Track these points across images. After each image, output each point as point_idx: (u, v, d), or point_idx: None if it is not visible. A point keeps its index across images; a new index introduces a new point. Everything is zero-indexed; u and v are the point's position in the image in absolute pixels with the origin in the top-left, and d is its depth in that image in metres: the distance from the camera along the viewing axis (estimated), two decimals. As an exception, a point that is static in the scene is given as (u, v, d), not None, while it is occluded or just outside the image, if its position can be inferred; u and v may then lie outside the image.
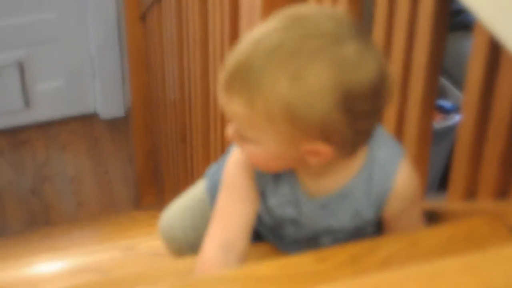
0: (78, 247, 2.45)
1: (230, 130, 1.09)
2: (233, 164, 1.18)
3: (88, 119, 3.84)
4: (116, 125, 3.82)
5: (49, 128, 3.78)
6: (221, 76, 1.03)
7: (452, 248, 1.13)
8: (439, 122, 2.40)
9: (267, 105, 0.99)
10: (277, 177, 1.17)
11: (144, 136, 3.47)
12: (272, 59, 0.98)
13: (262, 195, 1.19)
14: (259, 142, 1.06)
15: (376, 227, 1.25)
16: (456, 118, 2.44)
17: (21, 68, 3.57)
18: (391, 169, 1.16)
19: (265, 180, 1.17)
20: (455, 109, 2.49)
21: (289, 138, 1.03)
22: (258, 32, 1.02)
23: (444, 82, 2.55)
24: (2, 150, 3.67)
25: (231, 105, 1.03)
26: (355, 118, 1.01)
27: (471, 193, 1.34)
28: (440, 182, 2.42)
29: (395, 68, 1.46)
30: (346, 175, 1.16)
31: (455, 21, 2.29)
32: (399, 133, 1.49)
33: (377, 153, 1.16)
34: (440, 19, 1.34)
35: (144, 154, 3.47)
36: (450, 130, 2.37)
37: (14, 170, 3.60)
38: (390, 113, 1.51)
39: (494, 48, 1.21)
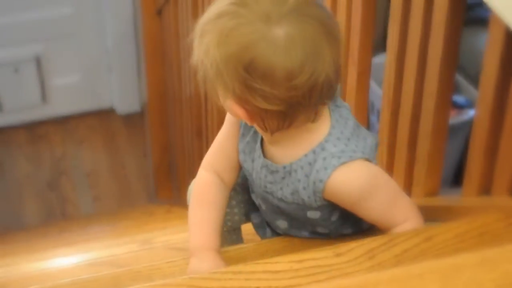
0: (95, 241, 2.48)
1: None
2: None
3: (104, 114, 3.85)
4: (132, 120, 3.84)
5: (66, 122, 3.80)
6: None
7: (467, 243, 1.14)
8: (453, 118, 2.40)
9: (208, 63, 1.11)
10: (246, 128, 1.27)
11: (160, 131, 3.48)
12: (212, 26, 1.12)
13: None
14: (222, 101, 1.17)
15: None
16: (469, 113, 2.44)
17: (38, 63, 3.59)
18: (333, 163, 1.17)
19: (241, 123, 1.28)
20: (469, 105, 2.49)
21: (221, 92, 1.13)
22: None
23: (458, 77, 2.54)
24: (20, 144, 3.70)
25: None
26: (259, 96, 1.08)
27: (486, 188, 1.34)
28: (453, 177, 2.42)
29: (410, 63, 1.46)
30: (296, 152, 1.20)
31: (469, 16, 2.29)
32: (414, 128, 1.50)
33: (329, 145, 1.18)
34: (455, 13, 1.34)
35: (160, 148, 3.48)
36: (464, 126, 2.37)
37: (32, 164, 3.62)
38: (405, 107, 1.51)
39: (510, 43, 1.21)
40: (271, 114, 1.12)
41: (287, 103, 1.09)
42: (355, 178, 1.18)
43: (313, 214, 1.25)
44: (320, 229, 1.31)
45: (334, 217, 1.28)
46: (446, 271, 0.84)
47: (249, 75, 1.07)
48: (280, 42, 1.05)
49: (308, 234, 1.34)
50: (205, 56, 1.11)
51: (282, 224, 1.33)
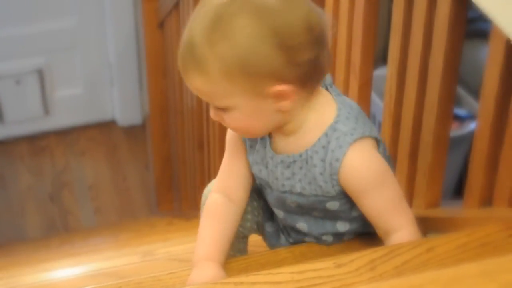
0: (96, 253, 2.47)
1: (211, 112, 1.21)
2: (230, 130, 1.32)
3: (106, 126, 3.86)
4: (134, 132, 3.84)
5: (68, 135, 3.81)
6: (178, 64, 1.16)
7: (468, 254, 1.14)
8: (454, 130, 2.40)
9: (220, 69, 1.12)
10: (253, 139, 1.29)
11: (162, 143, 3.48)
12: (204, 30, 1.12)
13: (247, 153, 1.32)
14: (233, 106, 1.16)
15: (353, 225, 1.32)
16: (471, 126, 2.44)
17: (40, 75, 3.60)
18: (347, 140, 1.20)
19: (246, 140, 1.30)
20: (470, 117, 2.49)
21: (252, 90, 1.13)
22: (194, 12, 1.17)
23: (459, 90, 2.55)
24: (22, 156, 3.70)
25: (193, 83, 1.16)
26: (297, 52, 1.12)
27: (487, 200, 1.34)
28: (455, 189, 2.42)
29: (412, 75, 1.47)
30: (310, 139, 1.22)
31: (470, 29, 2.30)
32: (415, 140, 1.50)
33: (339, 125, 1.21)
34: (457, 26, 1.35)
35: (162, 161, 3.48)
36: (465, 138, 2.37)
37: (34, 176, 3.63)
38: (406, 119, 1.52)
39: (511, 55, 1.22)
40: (302, 83, 1.15)
41: (311, 62, 1.14)
42: (369, 160, 1.22)
43: (332, 205, 1.26)
44: (340, 227, 1.31)
45: (354, 213, 1.28)
46: (447, 282, 0.85)
47: (283, 42, 1.11)
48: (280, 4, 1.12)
49: (328, 238, 1.34)
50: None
51: (302, 227, 1.33)
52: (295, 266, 1.12)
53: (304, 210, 1.30)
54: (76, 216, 3.46)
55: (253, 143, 1.29)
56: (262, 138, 1.27)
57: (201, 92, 1.17)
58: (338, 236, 1.34)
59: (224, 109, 1.18)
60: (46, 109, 3.71)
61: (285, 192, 1.28)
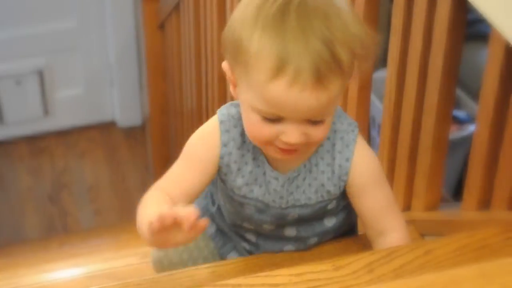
0: (95, 254, 2.47)
1: (295, 137, 1.09)
2: (199, 138, 1.24)
3: (106, 127, 3.86)
4: (134, 133, 3.84)
5: (67, 135, 3.80)
6: (300, 79, 1.02)
7: (466, 257, 1.14)
8: (453, 133, 2.40)
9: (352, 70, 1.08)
10: (242, 156, 1.21)
11: (162, 144, 3.48)
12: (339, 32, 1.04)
13: (226, 174, 1.23)
14: (328, 118, 1.11)
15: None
16: (470, 128, 2.44)
17: (40, 76, 3.60)
18: (351, 138, 1.21)
19: (230, 158, 1.21)
20: (470, 120, 2.49)
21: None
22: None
23: (459, 92, 2.55)
24: (22, 157, 3.70)
25: (324, 94, 1.04)
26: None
27: (485, 203, 1.34)
28: (454, 192, 2.42)
29: (411, 77, 1.47)
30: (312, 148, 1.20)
31: (470, 31, 2.30)
32: (415, 142, 1.50)
33: (337, 125, 1.20)
34: (456, 28, 1.35)
35: (162, 162, 3.48)
36: (464, 141, 2.37)
37: (33, 177, 3.63)
38: (406, 122, 1.52)
39: (510, 57, 1.22)
40: None
41: None
42: (371, 153, 1.24)
43: (331, 205, 1.27)
44: (329, 222, 1.31)
45: (341, 204, 1.29)
46: (445, 284, 0.85)
47: None
48: None
49: (313, 240, 1.33)
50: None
51: (290, 233, 1.31)
52: (293, 268, 1.12)
53: (300, 219, 1.28)
54: (75, 217, 3.46)
55: (242, 165, 1.21)
56: (255, 158, 1.21)
57: (330, 100, 1.06)
58: (324, 236, 1.33)
59: (321, 121, 1.10)
60: (46, 110, 3.71)
61: (287, 208, 1.25)
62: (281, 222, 1.28)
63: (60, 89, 3.70)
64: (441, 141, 1.45)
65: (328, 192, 1.23)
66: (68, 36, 3.58)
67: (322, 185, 1.22)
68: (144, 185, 3.63)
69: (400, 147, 1.55)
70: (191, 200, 1.23)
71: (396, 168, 1.57)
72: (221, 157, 1.21)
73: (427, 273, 1.01)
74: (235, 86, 1.14)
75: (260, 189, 1.23)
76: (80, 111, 3.79)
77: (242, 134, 1.19)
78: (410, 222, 1.51)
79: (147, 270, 1.69)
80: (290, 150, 1.12)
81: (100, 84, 3.76)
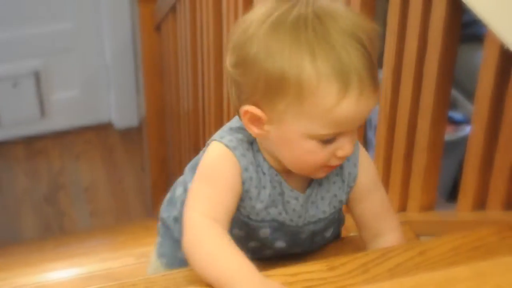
0: (91, 255, 2.47)
1: (351, 147, 1.09)
2: (218, 157, 1.15)
3: (102, 129, 3.86)
4: (130, 135, 3.84)
5: (64, 137, 3.81)
6: (365, 88, 1.02)
7: (461, 257, 1.14)
8: (450, 134, 2.40)
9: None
10: (260, 180, 1.17)
11: (158, 145, 3.48)
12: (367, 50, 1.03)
13: (244, 201, 1.17)
14: None
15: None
16: (466, 129, 2.44)
17: (37, 77, 3.60)
18: (355, 146, 1.19)
19: (251, 184, 1.16)
20: (466, 121, 2.49)
21: None
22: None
23: (455, 93, 2.55)
24: (18, 158, 3.70)
25: (372, 102, 1.05)
26: None
27: (481, 203, 1.35)
28: (450, 193, 2.42)
29: (407, 78, 1.47)
30: None
31: (466, 33, 2.30)
32: (410, 142, 1.50)
33: None
34: (451, 29, 1.35)
35: (158, 163, 3.48)
36: (461, 142, 2.37)
37: (30, 179, 3.63)
38: (401, 122, 1.52)
39: (505, 59, 1.22)
40: None
41: None
42: (369, 157, 1.24)
43: (337, 214, 1.27)
44: (327, 232, 1.30)
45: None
46: (440, 283, 0.85)
47: None
48: None
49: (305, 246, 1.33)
50: None
51: (298, 248, 1.29)
52: (287, 268, 1.12)
53: (312, 235, 1.26)
54: (71, 219, 3.46)
55: (260, 189, 1.16)
56: (271, 180, 1.17)
57: (368, 112, 1.07)
58: (321, 247, 1.33)
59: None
60: (43, 112, 3.71)
61: (304, 225, 1.23)
62: (295, 238, 1.25)
63: (56, 90, 3.70)
64: (436, 142, 1.45)
65: (340, 201, 1.23)
66: (65, 38, 3.58)
67: (335, 195, 1.22)
68: (141, 186, 3.66)
69: (395, 147, 1.55)
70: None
71: (392, 168, 1.57)
72: (244, 183, 1.15)
73: (422, 273, 1.01)
74: (263, 124, 1.09)
75: (276, 209, 1.19)
76: (76, 113, 3.79)
77: (255, 156, 1.16)
78: (405, 223, 1.51)
79: (143, 270, 1.69)
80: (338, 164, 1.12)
81: (96, 86, 3.77)
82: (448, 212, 1.46)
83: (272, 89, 1.04)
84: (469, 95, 2.53)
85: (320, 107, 1.02)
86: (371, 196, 1.24)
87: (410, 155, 1.51)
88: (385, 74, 1.55)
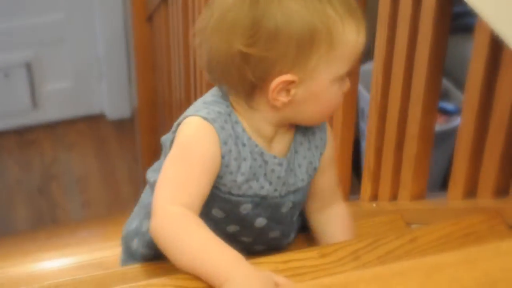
0: (83, 245, 2.47)
1: (344, 92, 1.16)
2: (196, 132, 1.14)
3: (95, 120, 3.86)
4: (123, 126, 3.84)
5: (56, 128, 3.80)
6: (360, 17, 1.12)
7: (451, 244, 1.15)
8: (442, 124, 2.41)
9: None
10: (239, 152, 1.16)
11: (150, 136, 3.48)
12: None
13: (224, 176, 1.16)
14: None
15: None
16: (459, 120, 2.44)
17: (28, 68, 3.59)
18: None
19: (230, 156, 1.15)
20: (458, 111, 2.50)
21: None
22: None
23: (447, 84, 2.56)
24: (10, 149, 3.70)
25: (363, 38, 1.13)
26: None
27: (471, 191, 1.35)
28: (442, 184, 2.43)
29: (398, 68, 1.47)
30: (292, 128, 1.22)
31: (459, 24, 2.31)
32: (401, 132, 1.51)
33: None
34: (442, 19, 1.35)
35: (150, 154, 3.48)
36: (453, 132, 2.37)
37: (22, 170, 3.62)
38: (392, 112, 1.52)
39: (495, 48, 1.23)
40: None
41: None
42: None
43: (307, 189, 1.29)
44: (298, 219, 1.33)
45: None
46: (428, 270, 0.85)
47: None
48: None
49: (291, 237, 1.34)
50: None
51: (276, 234, 1.29)
52: (278, 256, 1.13)
53: (287, 212, 1.27)
54: (64, 209, 3.46)
55: (240, 161, 1.16)
56: (251, 151, 1.16)
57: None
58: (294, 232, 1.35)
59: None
60: (35, 103, 3.71)
61: (285, 195, 1.23)
62: (275, 213, 1.25)
63: (48, 81, 3.69)
64: (427, 131, 1.46)
65: (315, 169, 1.25)
66: (57, 29, 3.58)
67: (311, 162, 1.24)
68: (133, 177, 3.65)
69: (386, 136, 1.56)
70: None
71: (383, 157, 1.58)
72: (223, 156, 1.14)
73: (412, 260, 1.02)
74: (291, 89, 1.11)
75: (257, 183, 1.19)
76: (68, 104, 3.78)
77: (235, 129, 1.15)
78: (396, 211, 1.52)
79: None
80: None
81: (88, 77, 3.76)
82: (439, 200, 1.47)
83: (305, 48, 1.08)
84: (462, 86, 2.53)
85: (348, 46, 1.10)
86: (331, 168, 1.29)
87: (401, 144, 1.52)
88: (376, 64, 1.56)
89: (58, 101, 3.75)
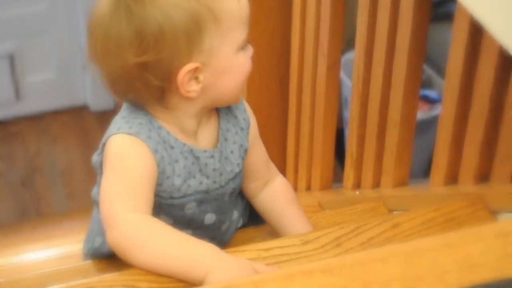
0: (67, 236, 2.47)
1: (250, 56, 1.16)
2: (124, 147, 1.13)
3: (78, 111, 3.84)
4: (106, 117, 3.81)
5: (39, 120, 3.78)
6: None
7: (433, 230, 1.15)
8: (425, 112, 2.41)
9: None
10: (170, 155, 1.16)
11: (134, 127, 3.48)
12: None
13: (162, 184, 1.16)
14: None
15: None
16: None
17: (11, 60, 3.57)
18: None
19: (164, 162, 1.15)
20: (441, 99, 2.51)
21: None
22: None
23: (430, 72, 2.56)
24: (-7, 142, 3.68)
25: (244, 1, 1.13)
26: None
27: (453, 177, 1.36)
28: (425, 172, 2.44)
29: (378, 55, 1.48)
30: (215, 116, 1.23)
31: (441, 11, 2.31)
32: (383, 119, 1.51)
33: None
34: (422, 6, 1.36)
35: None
36: (436, 120, 2.38)
37: (5, 162, 3.61)
38: (374, 99, 1.53)
39: (474, 35, 1.23)
40: None
41: None
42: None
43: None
44: (241, 204, 1.35)
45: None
46: (408, 254, 0.86)
47: None
48: None
49: (241, 220, 1.36)
50: None
51: (235, 216, 1.32)
52: (261, 243, 1.13)
53: (230, 200, 1.28)
54: (48, 202, 3.45)
55: (173, 164, 1.16)
56: (182, 152, 1.16)
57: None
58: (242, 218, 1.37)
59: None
60: (18, 94, 3.69)
61: (226, 184, 1.24)
62: (220, 204, 1.25)
63: (31, 73, 3.67)
64: (409, 117, 1.47)
65: (245, 150, 1.27)
66: (39, 20, 3.56)
67: (241, 145, 1.25)
68: (117, 169, 3.61)
69: (368, 124, 1.56)
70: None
71: (365, 144, 1.59)
72: (158, 165, 1.14)
73: (393, 245, 1.02)
74: (198, 75, 1.11)
75: (195, 180, 1.19)
76: (52, 95, 3.77)
77: (160, 134, 1.15)
78: (379, 198, 1.52)
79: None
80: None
81: (71, 68, 3.74)
82: (421, 186, 1.47)
83: (194, 34, 1.08)
84: (444, 73, 2.54)
85: (233, 14, 1.10)
86: (259, 144, 1.31)
87: (383, 131, 1.52)
88: (357, 51, 1.56)
89: (41, 93, 3.74)
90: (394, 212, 1.48)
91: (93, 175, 1.37)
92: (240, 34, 1.12)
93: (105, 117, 3.81)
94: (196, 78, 1.11)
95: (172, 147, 1.16)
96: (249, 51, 1.16)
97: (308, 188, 1.89)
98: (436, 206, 1.22)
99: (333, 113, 1.74)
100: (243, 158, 1.26)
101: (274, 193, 1.34)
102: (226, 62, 1.12)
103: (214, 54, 1.10)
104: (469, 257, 0.85)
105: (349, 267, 0.85)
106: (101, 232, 1.27)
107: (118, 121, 1.18)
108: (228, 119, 1.24)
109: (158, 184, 1.15)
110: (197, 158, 1.19)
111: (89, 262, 1.32)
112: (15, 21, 3.50)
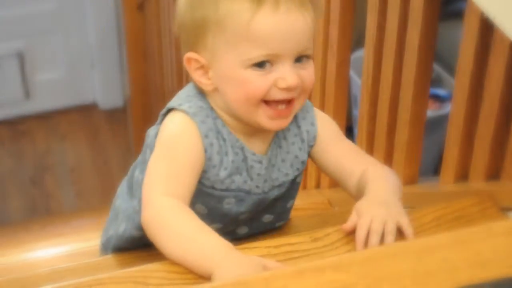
0: (76, 234, 2.48)
1: (292, 77, 1.09)
2: (178, 127, 1.15)
3: (87, 109, 3.85)
4: (115, 115, 3.84)
5: (49, 118, 3.80)
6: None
7: (443, 227, 1.15)
8: (435, 110, 2.41)
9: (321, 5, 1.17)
10: (221, 146, 1.16)
11: (143, 125, 3.47)
12: None
13: (208, 170, 1.16)
14: (311, 56, 1.13)
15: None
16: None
17: (21, 58, 3.58)
18: (308, 104, 1.23)
19: (212, 150, 1.15)
20: (451, 97, 2.50)
21: None
22: None
23: (440, 70, 2.56)
24: (3, 140, 3.69)
25: (308, 16, 1.09)
26: None
27: (463, 175, 1.36)
28: (435, 170, 2.43)
29: (388, 53, 1.48)
30: None
31: (451, 9, 2.31)
32: (393, 117, 1.51)
33: None
34: (432, 4, 1.35)
35: (142, 143, 3.48)
36: (446, 118, 2.38)
37: (15, 160, 3.62)
38: (383, 97, 1.53)
39: (485, 32, 1.23)
40: None
41: None
42: (326, 115, 1.28)
43: (299, 178, 1.27)
44: (289, 203, 1.31)
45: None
46: (419, 251, 0.86)
47: None
48: None
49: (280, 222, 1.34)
50: None
51: (268, 218, 1.30)
52: (271, 240, 1.13)
53: (276, 200, 1.27)
54: (57, 200, 3.46)
55: (223, 155, 1.16)
56: (233, 146, 1.17)
57: (311, 27, 1.10)
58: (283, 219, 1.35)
59: (308, 58, 1.11)
60: (27, 93, 3.70)
61: (269, 190, 1.23)
62: (259, 209, 1.25)
63: (40, 71, 3.69)
64: (418, 116, 1.46)
65: (303, 162, 1.24)
66: (48, 18, 3.57)
67: (296, 157, 1.23)
68: (126, 167, 3.61)
69: (378, 122, 1.56)
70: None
71: (375, 142, 1.58)
72: (205, 150, 1.15)
73: (404, 242, 1.02)
74: (207, 71, 1.13)
75: (240, 177, 1.19)
76: (61, 94, 3.78)
77: (215, 123, 1.16)
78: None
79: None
80: (286, 108, 1.12)
81: (80, 66, 3.75)
82: (431, 184, 1.47)
83: (199, 30, 1.12)
84: (454, 71, 2.54)
85: (240, 25, 1.07)
86: (337, 144, 1.24)
87: (392, 129, 1.52)
88: (367, 50, 1.56)
89: (51, 91, 3.75)
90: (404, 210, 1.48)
91: (102, 172, 1.38)
92: (249, 50, 1.08)
93: (114, 115, 3.81)
94: (207, 74, 1.14)
95: (224, 139, 1.17)
96: (275, 78, 1.09)
97: (318, 185, 1.89)
98: (446, 203, 1.21)
99: (342, 111, 1.74)
100: (297, 169, 1.24)
101: (364, 179, 1.20)
102: (228, 71, 1.11)
103: (217, 56, 1.11)
104: (479, 254, 0.85)
105: (360, 263, 0.85)
106: (127, 219, 1.30)
107: (182, 96, 1.20)
108: (289, 127, 1.21)
109: (204, 171, 1.16)
110: (246, 157, 1.18)
111: (99, 259, 1.32)
112: (25, 20, 3.51)
